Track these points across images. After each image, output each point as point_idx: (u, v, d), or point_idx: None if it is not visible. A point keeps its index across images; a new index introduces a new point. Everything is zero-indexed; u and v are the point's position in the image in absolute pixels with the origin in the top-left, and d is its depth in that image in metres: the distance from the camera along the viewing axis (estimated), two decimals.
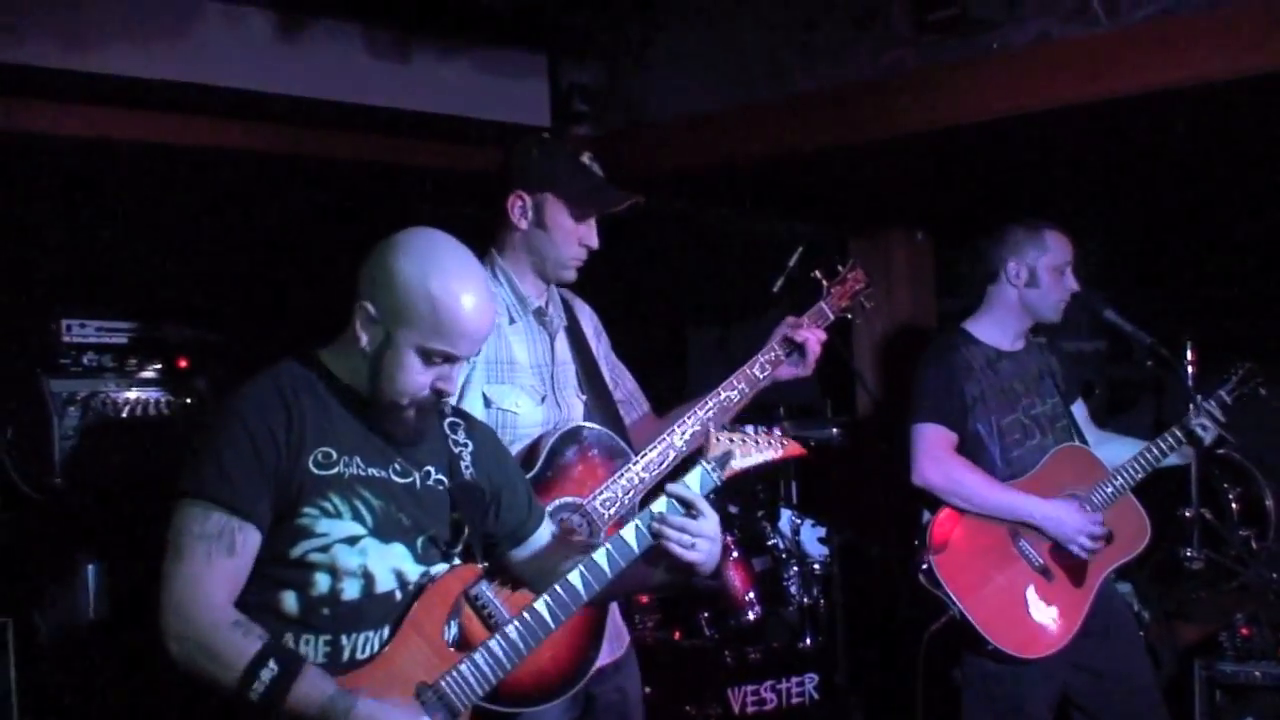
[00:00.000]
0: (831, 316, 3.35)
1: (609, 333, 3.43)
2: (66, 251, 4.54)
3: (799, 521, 4.86)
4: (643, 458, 3.06)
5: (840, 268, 3.41)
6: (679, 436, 3.09)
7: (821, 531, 4.87)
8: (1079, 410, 4.08)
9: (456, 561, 2.50)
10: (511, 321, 3.06)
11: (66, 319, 3.85)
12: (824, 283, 3.37)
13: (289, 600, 2.31)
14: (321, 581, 2.32)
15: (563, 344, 3.17)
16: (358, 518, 2.35)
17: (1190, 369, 4.79)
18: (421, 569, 2.44)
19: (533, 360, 3.07)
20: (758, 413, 3.95)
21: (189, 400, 4.04)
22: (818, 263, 3.46)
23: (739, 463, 2.69)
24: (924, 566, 3.71)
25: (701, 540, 2.54)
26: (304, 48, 4.29)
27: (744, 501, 5.09)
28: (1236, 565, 5.05)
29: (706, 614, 4.40)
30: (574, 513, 2.95)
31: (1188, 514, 5.09)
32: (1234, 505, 5.22)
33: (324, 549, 2.32)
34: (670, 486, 2.57)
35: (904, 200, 5.52)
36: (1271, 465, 5.22)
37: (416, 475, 2.47)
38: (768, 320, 3.38)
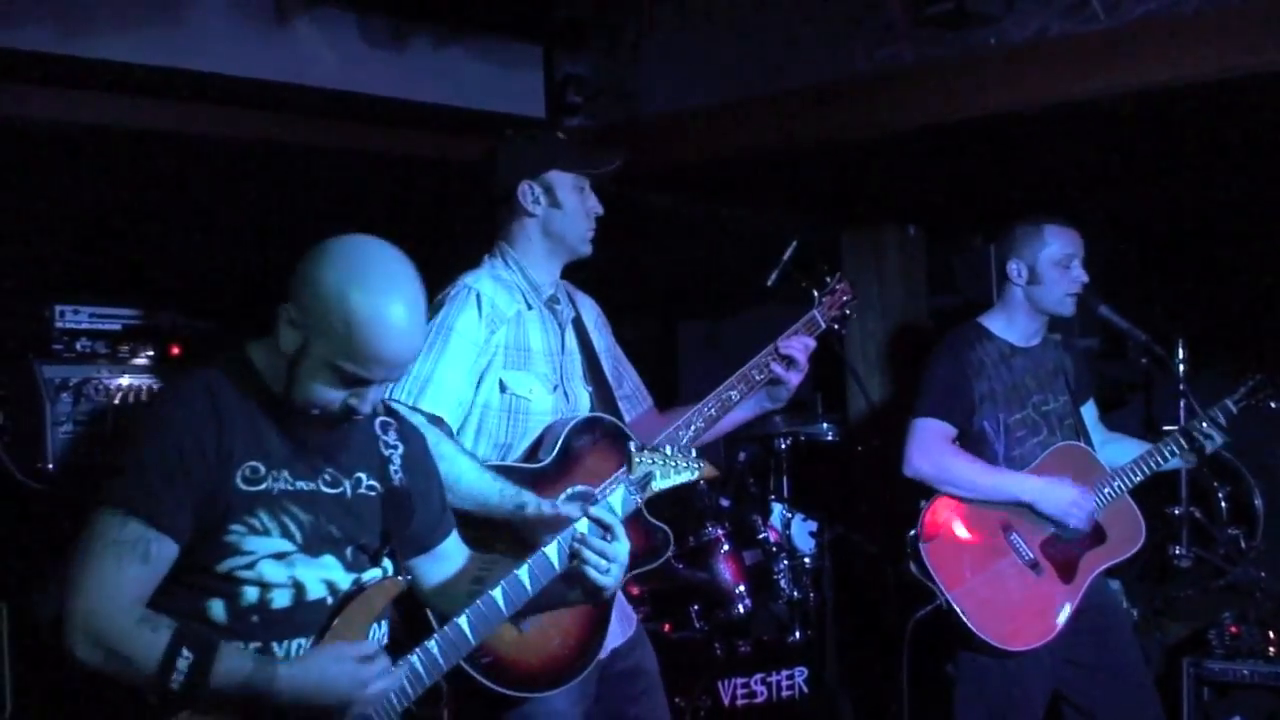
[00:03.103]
0: (824, 325, 3.39)
1: None
2: (60, 237, 4.53)
3: (790, 516, 4.87)
4: None
5: (828, 279, 3.45)
6: (685, 434, 3.13)
7: (813, 526, 4.88)
8: (1089, 411, 4.09)
9: (388, 565, 2.43)
10: (529, 308, 3.09)
11: (60, 305, 3.83)
12: (815, 293, 3.42)
13: (217, 608, 2.24)
14: (250, 593, 2.25)
15: (570, 334, 3.19)
16: (286, 534, 2.28)
17: (1182, 367, 4.81)
18: (352, 576, 2.37)
19: (546, 348, 3.09)
20: None
21: None
22: (807, 267, 3.50)
23: (659, 484, 2.73)
24: (914, 555, 3.72)
25: (615, 565, 2.53)
26: (299, 34, 4.26)
27: (736, 495, 5.10)
28: (1225, 564, 5.07)
29: (697, 606, 4.40)
30: (584, 500, 2.95)
31: (1177, 512, 5.12)
32: (1223, 504, 5.24)
33: (250, 565, 2.24)
34: (593, 510, 2.56)
35: (898, 196, 5.51)
36: (1261, 465, 5.24)
37: (347, 484, 2.38)
38: (759, 314, 3.40)
